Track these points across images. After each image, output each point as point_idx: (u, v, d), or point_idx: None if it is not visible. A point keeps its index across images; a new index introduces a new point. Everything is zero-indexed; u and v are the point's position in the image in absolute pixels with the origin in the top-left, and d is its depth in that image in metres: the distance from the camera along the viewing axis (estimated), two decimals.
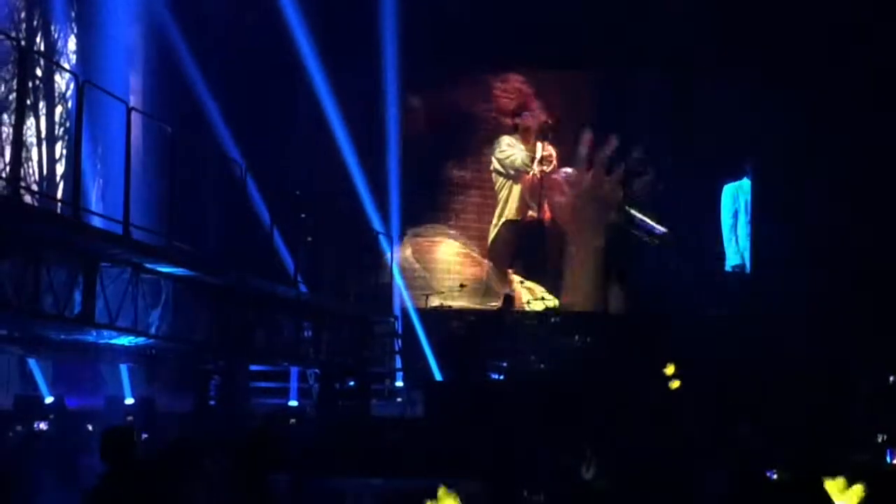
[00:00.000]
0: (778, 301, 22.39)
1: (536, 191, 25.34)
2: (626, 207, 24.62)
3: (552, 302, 24.32)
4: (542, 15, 23.89)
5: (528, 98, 25.51)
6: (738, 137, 23.88)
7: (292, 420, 19.72)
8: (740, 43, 23.25)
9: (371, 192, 23.43)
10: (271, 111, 23.65)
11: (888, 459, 16.11)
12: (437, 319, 22.69)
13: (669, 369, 19.11)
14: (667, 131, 24.49)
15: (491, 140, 25.50)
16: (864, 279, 22.22)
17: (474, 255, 25.32)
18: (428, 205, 25.31)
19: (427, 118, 25.38)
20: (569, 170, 25.26)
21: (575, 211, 25.26)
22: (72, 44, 22.38)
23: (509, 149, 25.46)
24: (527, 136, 25.44)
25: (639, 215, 24.65)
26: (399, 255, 24.11)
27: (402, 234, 24.60)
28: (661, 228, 24.66)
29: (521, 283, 25.10)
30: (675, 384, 19.13)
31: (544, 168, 25.23)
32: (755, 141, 23.85)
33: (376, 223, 23.10)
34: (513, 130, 25.48)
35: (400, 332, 22.03)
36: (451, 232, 25.45)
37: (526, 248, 25.49)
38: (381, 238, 22.74)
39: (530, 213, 25.40)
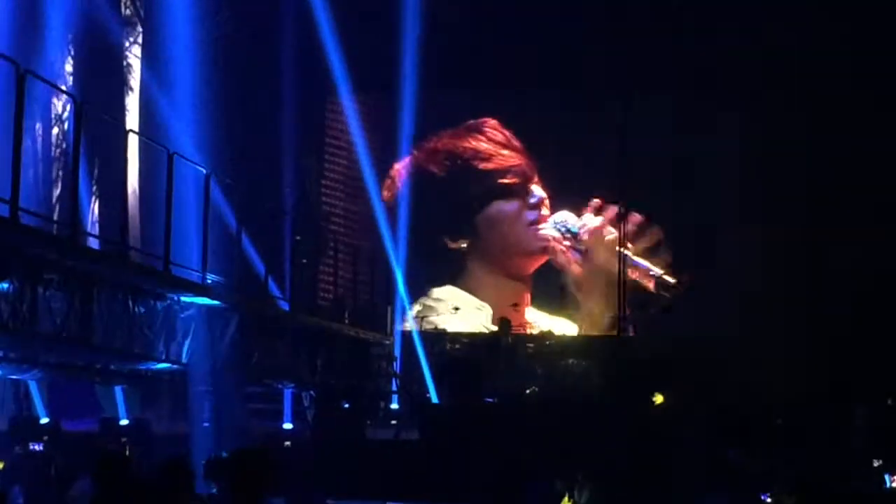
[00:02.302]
0: (775, 326, 22.40)
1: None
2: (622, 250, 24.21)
3: (549, 327, 24.26)
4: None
5: (509, 150, 25.39)
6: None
7: (287, 442, 19.70)
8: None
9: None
10: (259, 125, 23.67)
11: (886, 484, 16.11)
12: (433, 342, 22.68)
13: (658, 398, 19.00)
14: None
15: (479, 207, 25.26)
16: (862, 302, 22.27)
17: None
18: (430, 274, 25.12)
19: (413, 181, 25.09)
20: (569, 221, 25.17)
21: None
22: (68, 65, 22.41)
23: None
24: (518, 188, 25.32)
25: (635, 258, 24.35)
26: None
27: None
28: (658, 270, 24.46)
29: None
30: (659, 399, 19.07)
31: (542, 212, 25.19)
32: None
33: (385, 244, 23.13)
34: (504, 190, 25.32)
35: (398, 354, 22.01)
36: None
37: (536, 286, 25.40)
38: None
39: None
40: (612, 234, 24.62)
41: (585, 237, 25.01)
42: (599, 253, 24.80)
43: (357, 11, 23.06)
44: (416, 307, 24.67)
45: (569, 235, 25.08)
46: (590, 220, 25.01)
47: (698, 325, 22.85)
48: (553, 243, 25.11)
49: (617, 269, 22.20)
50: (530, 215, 25.28)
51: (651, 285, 24.36)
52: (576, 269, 25.07)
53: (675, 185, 24.28)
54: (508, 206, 25.30)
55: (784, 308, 22.64)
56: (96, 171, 20.94)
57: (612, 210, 24.37)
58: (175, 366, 15.05)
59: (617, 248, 23.76)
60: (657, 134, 23.85)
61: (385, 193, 24.58)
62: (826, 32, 22.95)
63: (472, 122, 25.50)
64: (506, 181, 25.27)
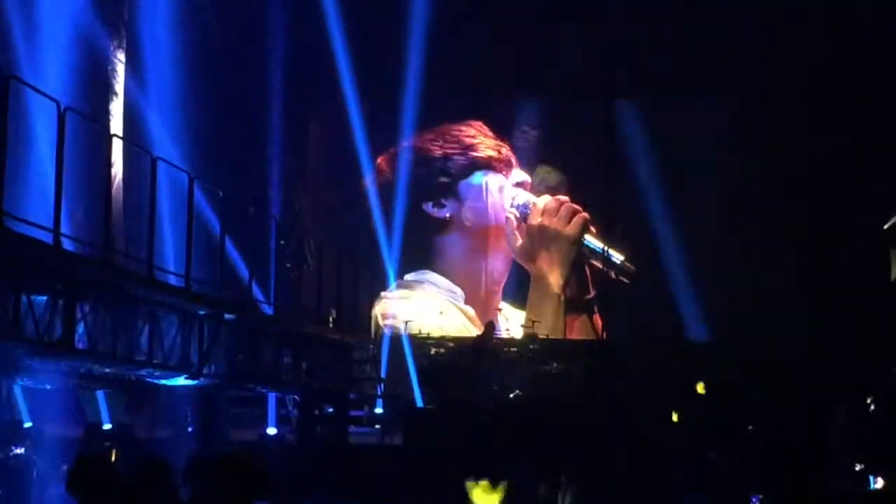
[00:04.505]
0: (754, 328, 22.47)
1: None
2: (584, 236, 24.29)
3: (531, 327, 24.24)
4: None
5: (493, 140, 25.53)
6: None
7: (270, 446, 19.68)
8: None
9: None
10: (242, 128, 23.65)
11: (871, 485, 16.21)
12: (416, 346, 22.67)
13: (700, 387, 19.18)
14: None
15: (463, 175, 25.41)
16: (841, 303, 22.37)
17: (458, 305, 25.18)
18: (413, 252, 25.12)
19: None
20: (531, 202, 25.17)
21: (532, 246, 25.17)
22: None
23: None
24: (500, 165, 25.41)
25: (595, 243, 24.39)
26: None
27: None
28: (619, 257, 24.41)
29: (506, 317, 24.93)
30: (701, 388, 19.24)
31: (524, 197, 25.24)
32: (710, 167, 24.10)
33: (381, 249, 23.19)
34: (488, 163, 25.42)
35: (384, 358, 21.98)
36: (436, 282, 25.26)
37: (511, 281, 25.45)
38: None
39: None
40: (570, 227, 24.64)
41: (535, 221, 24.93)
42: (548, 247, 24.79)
43: (345, 12, 23.16)
44: (391, 288, 24.71)
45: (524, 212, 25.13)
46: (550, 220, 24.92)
47: (680, 324, 22.96)
48: (511, 220, 25.12)
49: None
50: (513, 191, 25.37)
51: (611, 272, 24.28)
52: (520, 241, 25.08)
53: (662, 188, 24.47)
54: (492, 176, 25.40)
55: (767, 308, 22.72)
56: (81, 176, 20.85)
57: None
58: (158, 370, 15.03)
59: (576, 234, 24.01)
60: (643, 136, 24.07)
61: (379, 178, 24.74)
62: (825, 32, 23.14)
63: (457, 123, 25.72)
64: (489, 154, 25.33)
